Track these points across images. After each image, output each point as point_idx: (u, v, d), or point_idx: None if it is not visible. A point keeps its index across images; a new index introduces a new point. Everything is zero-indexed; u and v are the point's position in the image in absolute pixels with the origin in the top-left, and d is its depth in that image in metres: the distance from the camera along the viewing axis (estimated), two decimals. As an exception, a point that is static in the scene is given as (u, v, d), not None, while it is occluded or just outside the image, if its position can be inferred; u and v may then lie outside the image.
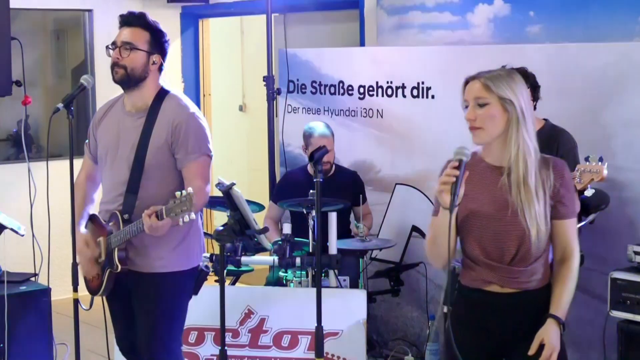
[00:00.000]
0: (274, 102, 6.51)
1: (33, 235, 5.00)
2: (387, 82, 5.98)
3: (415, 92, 5.83)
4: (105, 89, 4.53)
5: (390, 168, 6.03)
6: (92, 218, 4.06)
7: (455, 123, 5.33)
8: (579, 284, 3.23)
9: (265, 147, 6.68)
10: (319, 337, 3.80)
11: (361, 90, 6.14)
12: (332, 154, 5.74)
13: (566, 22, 5.37)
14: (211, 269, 4.67)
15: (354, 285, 5.38)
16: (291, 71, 6.53)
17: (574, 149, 4.59)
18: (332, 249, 5.15)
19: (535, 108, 4.48)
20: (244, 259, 5.03)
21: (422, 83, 5.79)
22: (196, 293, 3.96)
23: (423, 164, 5.79)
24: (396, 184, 6.00)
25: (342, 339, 4.85)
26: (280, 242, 5.05)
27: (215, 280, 3.81)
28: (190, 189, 3.57)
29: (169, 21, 7.73)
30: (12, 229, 5.07)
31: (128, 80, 3.91)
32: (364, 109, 6.13)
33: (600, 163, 4.05)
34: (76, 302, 4.08)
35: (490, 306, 3.18)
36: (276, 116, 6.59)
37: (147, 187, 3.88)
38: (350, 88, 6.21)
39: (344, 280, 5.26)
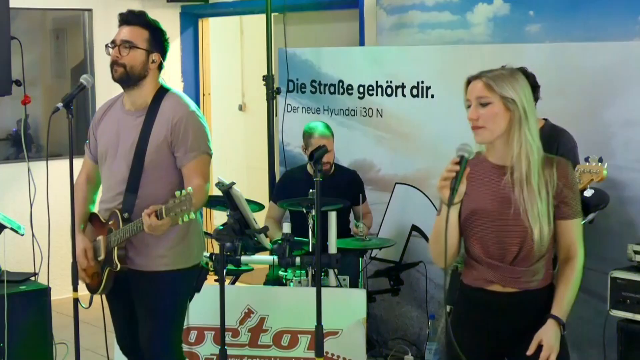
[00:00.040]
0: (274, 101, 6.50)
1: (33, 235, 4.99)
2: (387, 82, 5.98)
3: (414, 91, 5.83)
4: (105, 89, 4.54)
5: (390, 167, 6.03)
6: (92, 217, 4.06)
7: (455, 122, 5.34)
8: (579, 283, 3.23)
9: (265, 147, 6.68)
10: (318, 337, 3.80)
11: (361, 89, 6.14)
12: (332, 154, 5.74)
13: (566, 21, 5.37)
14: (211, 268, 4.68)
15: (353, 284, 5.38)
16: (291, 70, 6.53)
17: (574, 148, 4.59)
18: (332, 249, 5.15)
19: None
20: (243, 258, 5.03)
21: (422, 82, 5.79)
22: (199, 290, 3.95)
23: (423, 163, 5.79)
24: (396, 183, 6.00)
25: (341, 338, 4.85)
26: (280, 242, 5.04)
27: (215, 280, 3.81)
28: (190, 189, 3.57)
29: (168, 21, 7.73)
30: (12, 229, 5.07)
31: (127, 79, 3.91)
32: (364, 108, 6.13)
33: (600, 164, 4.05)
34: (76, 301, 4.08)
35: (492, 306, 3.18)
36: (276, 115, 6.58)
37: (146, 186, 3.88)
38: (349, 87, 6.21)
39: (344, 279, 5.26)
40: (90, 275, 4.04)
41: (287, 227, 5.01)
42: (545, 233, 3.08)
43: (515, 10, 5.61)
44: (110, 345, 4.45)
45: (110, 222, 3.93)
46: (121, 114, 4.01)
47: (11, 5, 5.33)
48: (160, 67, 3.98)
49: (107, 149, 3.99)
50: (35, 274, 5.27)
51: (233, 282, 6.05)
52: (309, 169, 5.74)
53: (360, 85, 6.14)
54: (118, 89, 4.06)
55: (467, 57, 5.49)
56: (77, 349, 4.12)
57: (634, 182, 4.81)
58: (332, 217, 5.16)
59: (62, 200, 4.64)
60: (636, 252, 4.44)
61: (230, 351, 4.18)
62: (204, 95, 8.36)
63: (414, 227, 5.91)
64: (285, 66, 6.54)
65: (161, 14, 7.34)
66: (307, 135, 5.75)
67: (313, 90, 6.45)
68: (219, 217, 8.18)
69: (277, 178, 6.38)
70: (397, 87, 5.93)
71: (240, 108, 9.45)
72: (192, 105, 3.97)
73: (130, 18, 3.95)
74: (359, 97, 6.15)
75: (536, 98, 4.53)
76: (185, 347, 4.29)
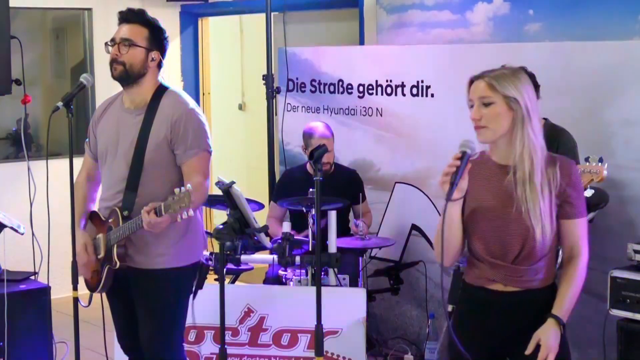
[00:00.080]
0: (274, 100, 6.51)
1: (33, 234, 4.99)
2: (387, 81, 5.98)
3: (414, 90, 5.83)
4: (105, 88, 4.54)
5: (389, 166, 6.03)
6: (92, 215, 4.06)
7: (455, 122, 5.37)
8: (579, 283, 3.23)
9: (265, 146, 6.68)
10: (318, 336, 3.80)
11: (360, 88, 6.14)
12: (332, 155, 5.74)
13: (565, 20, 5.37)
14: (211, 267, 4.68)
15: (353, 283, 5.38)
16: (290, 70, 6.53)
17: (574, 148, 4.59)
18: (332, 248, 5.15)
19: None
20: (243, 257, 5.03)
21: (422, 81, 5.79)
22: (201, 287, 3.95)
23: (423, 162, 5.79)
24: (396, 182, 6.00)
25: (341, 337, 4.85)
26: (279, 241, 5.05)
27: (215, 279, 3.81)
28: (188, 186, 3.58)
29: (168, 20, 7.72)
30: (11, 228, 5.07)
31: (127, 77, 3.91)
32: (364, 107, 6.13)
33: (600, 164, 4.05)
34: (76, 300, 4.08)
35: (493, 305, 3.18)
36: (275, 115, 6.59)
37: (146, 184, 3.88)
38: (349, 86, 6.21)
39: (344, 278, 5.26)
40: (91, 271, 4.04)
41: (286, 226, 5.02)
42: (548, 232, 3.08)
43: (515, 9, 5.61)
44: (110, 344, 4.45)
45: (110, 220, 3.94)
46: (121, 112, 4.01)
47: (11, 4, 5.33)
48: (159, 65, 3.98)
49: (107, 147, 3.99)
50: (35, 273, 5.27)
51: (233, 281, 6.06)
52: (309, 168, 5.74)
53: (360, 85, 6.14)
54: (118, 89, 4.06)
55: (467, 56, 5.49)
56: (77, 348, 4.12)
57: (633, 181, 4.81)
58: (332, 216, 5.16)
59: (62, 199, 4.64)
60: (636, 252, 4.44)
61: (230, 350, 4.19)
62: (203, 94, 8.36)
63: (414, 227, 5.91)
64: (285, 65, 6.54)
65: (161, 13, 7.33)
66: (307, 136, 5.75)
67: (313, 89, 6.45)
68: (219, 217, 8.18)
69: (277, 177, 6.39)
70: (396, 87, 5.93)
71: (240, 107, 9.45)
72: (191, 102, 3.97)
73: (129, 16, 3.95)
74: (359, 97, 6.15)
75: (536, 97, 4.54)
76: (185, 346, 4.29)
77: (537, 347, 3.08)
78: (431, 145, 5.70)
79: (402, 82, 5.89)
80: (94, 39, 7.62)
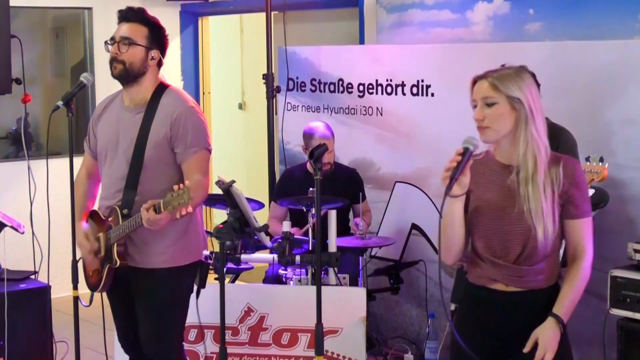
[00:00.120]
0: (274, 100, 6.51)
1: (33, 233, 5.00)
2: (387, 80, 5.98)
3: (414, 89, 5.83)
4: (105, 87, 4.54)
5: (389, 166, 6.03)
6: (92, 214, 4.07)
7: (455, 121, 5.36)
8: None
9: (265, 145, 6.68)
10: (318, 335, 3.80)
11: (361, 88, 6.14)
12: (333, 155, 5.74)
13: (566, 19, 5.37)
14: (211, 266, 4.68)
15: (353, 283, 5.38)
16: (291, 69, 6.53)
17: (573, 147, 4.59)
18: (332, 247, 5.15)
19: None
20: (243, 256, 5.03)
21: (422, 81, 5.79)
22: (204, 286, 3.94)
23: (423, 161, 5.79)
24: (396, 181, 6.00)
25: (341, 336, 4.85)
26: (280, 240, 5.05)
27: (215, 278, 3.81)
28: (187, 182, 3.58)
29: (168, 19, 7.72)
30: (12, 227, 5.08)
31: (127, 75, 3.91)
32: (364, 106, 6.13)
33: (601, 163, 4.05)
34: (76, 299, 4.08)
35: (495, 304, 3.17)
36: (276, 114, 6.59)
37: (146, 182, 3.89)
38: (349, 86, 6.21)
39: (344, 278, 5.26)
40: (92, 270, 4.04)
41: (286, 226, 5.01)
42: (550, 232, 3.07)
43: (515, 8, 5.61)
44: (110, 344, 4.46)
45: (109, 219, 3.94)
46: (120, 110, 4.01)
47: (11, 3, 5.34)
48: (159, 64, 3.99)
49: (107, 146, 3.99)
50: (35, 272, 5.28)
51: (233, 281, 6.06)
52: (309, 167, 5.74)
53: (360, 84, 6.14)
54: (118, 88, 4.06)
55: (467, 55, 5.49)
56: (77, 347, 4.13)
57: (634, 180, 4.81)
58: (332, 215, 5.16)
59: (62, 198, 4.65)
60: (636, 251, 4.44)
61: (230, 349, 4.19)
62: (203, 93, 8.35)
63: (414, 226, 5.91)
64: (285, 64, 6.54)
65: (161, 12, 7.29)
66: (308, 136, 5.74)
67: (313, 88, 6.45)
68: (219, 216, 8.18)
69: (277, 177, 6.38)
70: (397, 86, 5.93)
71: (240, 107, 9.44)
72: (191, 101, 3.98)
73: (129, 15, 3.95)
74: (359, 96, 6.15)
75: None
76: (185, 346, 4.29)
77: (536, 345, 3.08)
78: (431, 144, 5.70)
79: (402, 82, 5.89)
80: (94, 38, 7.62)
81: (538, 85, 4.49)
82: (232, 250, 4.83)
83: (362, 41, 6.59)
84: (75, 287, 4.08)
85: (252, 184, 8.11)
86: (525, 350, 3.08)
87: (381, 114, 6.04)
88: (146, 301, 3.96)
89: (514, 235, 3.10)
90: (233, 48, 9.34)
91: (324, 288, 3.89)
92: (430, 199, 5.74)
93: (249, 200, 4.38)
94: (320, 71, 6.40)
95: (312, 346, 4.37)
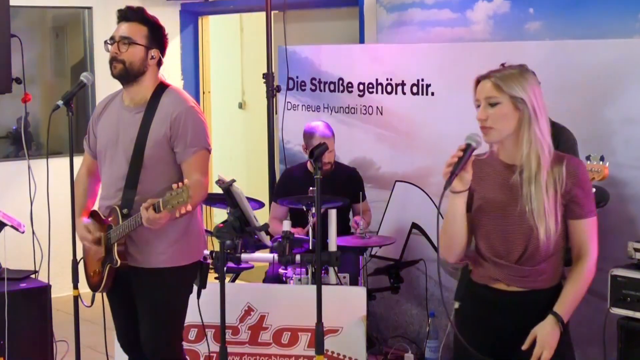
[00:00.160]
0: (274, 99, 6.50)
1: (33, 233, 5.00)
2: (387, 79, 5.98)
3: (414, 89, 5.83)
4: (105, 86, 4.54)
5: (390, 165, 6.03)
6: (92, 214, 4.07)
7: (455, 120, 5.36)
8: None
9: (265, 145, 6.68)
10: (319, 334, 3.80)
11: (361, 87, 6.14)
12: (333, 154, 5.74)
13: (566, 19, 5.37)
14: (211, 266, 4.68)
15: (353, 282, 5.38)
16: (291, 68, 6.53)
17: (574, 146, 4.60)
18: (332, 246, 5.15)
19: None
20: (244, 256, 5.03)
21: (422, 80, 5.79)
22: (204, 287, 3.94)
23: (423, 161, 5.79)
24: (396, 181, 6.00)
25: (342, 336, 4.85)
26: (280, 240, 5.05)
27: (215, 278, 3.81)
28: (186, 181, 3.58)
29: (168, 19, 7.73)
30: (12, 226, 5.07)
31: (126, 75, 3.91)
32: (364, 106, 6.13)
33: (601, 162, 4.05)
34: (76, 299, 4.09)
35: (496, 304, 3.18)
36: (276, 113, 6.58)
37: (146, 182, 3.89)
38: (349, 85, 6.21)
39: (344, 277, 5.26)
40: (92, 271, 4.04)
41: (287, 225, 5.01)
42: (552, 232, 3.06)
43: (515, 7, 5.61)
44: (110, 343, 4.45)
45: (110, 219, 3.94)
46: (120, 110, 4.01)
47: (11, 3, 5.34)
48: (159, 63, 3.99)
49: (107, 145, 4.00)
50: (35, 272, 5.27)
51: (233, 280, 6.05)
52: (309, 166, 5.74)
53: (360, 83, 6.14)
54: (118, 87, 4.06)
55: (467, 55, 5.49)
56: (78, 346, 4.13)
57: (634, 179, 4.81)
58: (332, 214, 5.16)
59: (62, 197, 4.64)
60: (636, 250, 4.43)
61: (230, 349, 4.18)
62: (204, 93, 8.36)
63: (414, 225, 5.91)
64: (285, 64, 6.54)
65: (161, 12, 7.32)
66: (308, 135, 5.74)
67: (313, 88, 6.45)
68: (219, 215, 8.19)
69: (277, 176, 6.38)
70: (397, 85, 5.93)
71: (240, 106, 9.44)
72: (191, 100, 3.98)
73: (128, 14, 3.96)
74: (359, 95, 6.15)
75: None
76: (185, 345, 4.29)
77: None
78: (431, 143, 5.70)
79: (402, 81, 5.89)
80: (94, 38, 7.62)
81: (538, 83, 4.52)
82: (233, 249, 4.84)
83: (362, 40, 6.59)
84: (75, 287, 4.08)
85: (252, 183, 8.11)
86: (524, 347, 3.08)
87: (381, 114, 6.03)
88: (146, 300, 3.96)
89: (516, 235, 3.10)
90: (233, 47, 9.34)
91: (324, 287, 3.89)
92: (431, 198, 5.73)
93: (249, 199, 4.37)
94: (320, 70, 6.40)
95: (312, 345, 4.38)
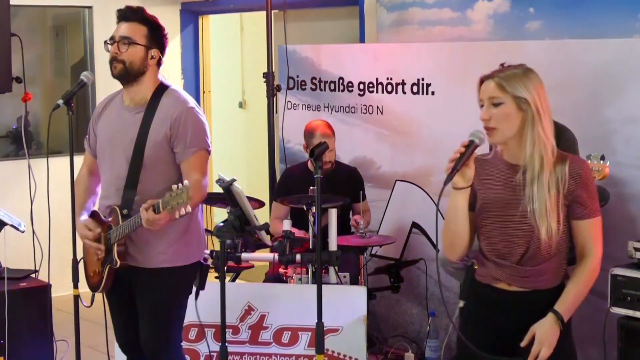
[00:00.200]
0: (274, 98, 6.50)
1: (33, 232, 4.99)
2: (387, 79, 5.98)
3: (415, 88, 5.83)
4: (105, 86, 4.54)
5: (390, 164, 6.03)
6: (93, 214, 4.06)
7: (455, 119, 5.36)
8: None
9: (265, 144, 6.68)
10: (319, 334, 3.80)
11: (361, 86, 6.13)
12: (333, 153, 5.73)
13: (566, 18, 5.36)
14: (211, 265, 4.68)
15: (354, 281, 5.38)
16: (291, 68, 6.53)
17: (574, 145, 4.59)
18: (332, 246, 5.15)
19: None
20: (244, 255, 5.03)
21: (422, 79, 5.79)
22: (203, 288, 3.94)
23: (423, 160, 5.79)
24: (396, 180, 6.00)
25: (342, 335, 4.85)
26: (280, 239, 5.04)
27: (216, 277, 3.81)
28: (186, 182, 3.58)
29: (168, 18, 7.73)
30: (12, 226, 5.07)
31: (127, 75, 3.91)
32: (364, 105, 6.13)
33: (602, 161, 4.05)
34: (76, 298, 4.08)
35: (499, 303, 3.17)
36: (276, 113, 6.58)
37: (146, 182, 3.88)
38: (350, 84, 6.21)
39: (344, 276, 5.26)
40: (92, 271, 4.04)
41: (287, 224, 5.01)
42: (554, 232, 3.06)
43: (516, 7, 5.61)
44: (111, 343, 4.45)
45: (109, 219, 3.94)
46: (120, 109, 4.01)
47: (11, 2, 5.33)
48: (159, 63, 3.98)
49: (107, 145, 3.99)
50: (35, 271, 5.27)
51: (233, 279, 6.05)
52: (310, 166, 5.74)
53: (360, 83, 6.13)
54: (118, 86, 4.06)
55: (468, 54, 5.49)
56: (78, 346, 4.13)
57: (634, 179, 4.81)
58: (333, 214, 5.16)
59: (62, 197, 4.64)
60: (636, 249, 4.43)
61: (230, 348, 4.18)
62: (204, 92, 8.35)
63: (414, 224, 5.91)
64: (285, 63, 6.54)
65: (161, 11, 7.33)
66: (309, 134, 5.74)
67: (313, 87, 6.45)
68: (219, 215, 8.18)
69: (278, 175, 6.38)
70: (397, 84, 5.93)
71: (241, 105, 9.44)
72: (191, 101, 3.97)
73: (128, 14, 3.95)
74: (359, 94, 6.15)
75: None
76: (185, 344, 4.29)
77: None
78: (432, 143, 5.70)
79: (403, 80, 5.89)
80: (95, 37, 7.62)
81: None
82: (233, 248, 4.84)
83: (362, 40, 6.59)
84: (75, 286, 4.08)
85: (253, 183, 8.11)
86: (522, 344, 3.08)
87: (381, 113, 6.03)
88: (145, 300, 3.96)
89: (518, 235, 3.09)
90: (233, 47, 9.34)
91: (325, 287, 3.89)
92: (431, 198, 5.73)
93: (250, 198, 4.37)
94: (320, 70, 6.39)
95: (312, 345, 4.38)
